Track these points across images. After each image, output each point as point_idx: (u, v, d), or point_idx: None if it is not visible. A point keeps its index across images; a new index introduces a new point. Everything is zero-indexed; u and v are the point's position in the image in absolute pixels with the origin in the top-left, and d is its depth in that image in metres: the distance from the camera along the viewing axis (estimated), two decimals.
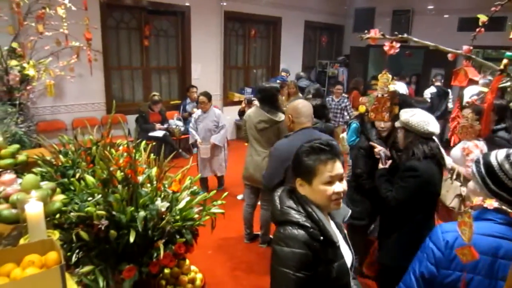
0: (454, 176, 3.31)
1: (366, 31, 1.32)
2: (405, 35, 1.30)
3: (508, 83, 1.58)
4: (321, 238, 1.33)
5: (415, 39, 1.30)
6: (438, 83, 7.43)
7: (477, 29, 1.42)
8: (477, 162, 1.45)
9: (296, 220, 1.35)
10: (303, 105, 2.69)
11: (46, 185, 1.61)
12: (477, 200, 1.20)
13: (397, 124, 2.50)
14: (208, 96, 4.80)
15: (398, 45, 1.30)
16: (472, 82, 1.44)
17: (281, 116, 3.52)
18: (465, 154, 3.20)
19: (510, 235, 1.30)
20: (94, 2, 4.91)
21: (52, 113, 5.52)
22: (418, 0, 8.69)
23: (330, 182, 1.37)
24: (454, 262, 1.32)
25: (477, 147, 3.17)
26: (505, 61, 1.38)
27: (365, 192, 2.83)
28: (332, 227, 1.42)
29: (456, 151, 3.34)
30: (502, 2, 1.37)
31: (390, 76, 1.43)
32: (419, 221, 2.35)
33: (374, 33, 1.29)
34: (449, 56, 1.31)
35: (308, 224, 1.34)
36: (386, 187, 2.44)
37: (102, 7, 5.51)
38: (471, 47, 1.43)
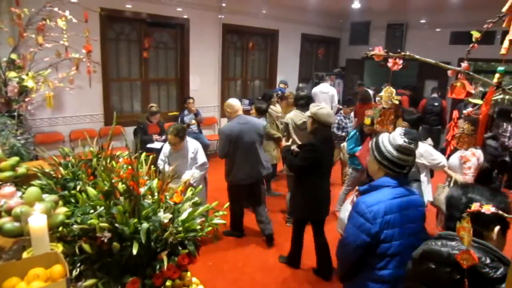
0: (452, 184, 3.35)
1: (370, 48, 1.36)
2: (408, 53, 1.34)
3: (501, 96, 1.63)
4: None
5: (417, 56, 1.34)
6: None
7: (471, 45, 1.48)
8: (371, 143, 1.99)
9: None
10: (232, 101, 4.16)
11: (49, 197, 1.61)
12: (475, 206, 1.24)
13: (307, 113, 3.42)
14: (179, 135, 3.69)
15: (401, 61, 1.34)
16: (469, 94, 1.47)
17: None
18: (463, 162, 3.25)
19: (404, 193, 1.86)
20: (94, 14, 4.95)
21: (50, 125, 5.52)
22: (412, 15, 8.86)
23: None
24: (382, 225, 1.78)
25: (474, 155, 3.24)
26: (497, 75, 1.42)
27: None
28: None
29: (454, 159, 3.39)
30: (493, 20, 1.42)
31: (393, 90, 1.46)
32: (317, 184, 3.39)
33: (378, 50, 1.33)
34: (449, 72, 1.35)
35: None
36: (291, 158, 3.46)
37: (102, 19, 5.56)
38: (466, 64, 1.48)
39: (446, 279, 1.32)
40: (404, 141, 1.83)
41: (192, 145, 3.89)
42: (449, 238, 1.39)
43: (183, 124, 6.55)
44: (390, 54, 1.32)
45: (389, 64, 1.36)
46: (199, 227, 1.73)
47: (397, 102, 1.47)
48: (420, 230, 1.92)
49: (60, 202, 1.67)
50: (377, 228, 1.78)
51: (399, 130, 1.90)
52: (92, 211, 1.60)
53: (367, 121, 2.09)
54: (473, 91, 1.28)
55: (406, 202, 1.85)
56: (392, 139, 1.86)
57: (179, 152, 3.81)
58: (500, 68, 1.29)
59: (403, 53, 1.32)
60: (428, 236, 1.72)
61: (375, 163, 1.91)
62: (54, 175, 1.98)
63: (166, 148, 3.91)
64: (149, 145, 5.73)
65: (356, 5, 7.44)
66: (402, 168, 1.86)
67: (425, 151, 3.21)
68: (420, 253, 1.43)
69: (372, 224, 1.78)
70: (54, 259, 1.19)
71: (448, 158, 3.46)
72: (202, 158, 3.90)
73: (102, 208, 1.56)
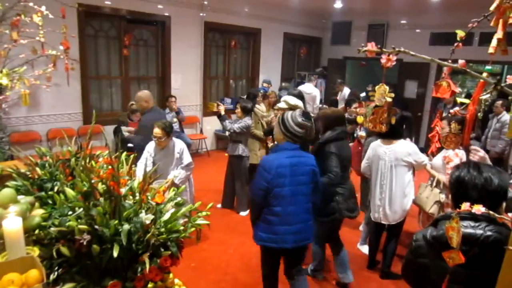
0: (434, 183, 3.41)
1: (362, 45, 1.33)
2: (402, 49, 1.32)
3: (488, 96, 1.65)
4: None
5: (412, 53, 1.33)
6: (369, 88, 8.44)
7: (455, 44, 1.48)
8: (279, 118, 2.66)
9: None
10: (147, 92, 4.50)
11: (25, 199, 1.54)
12: (465, 206, 1.25)
13: (277, 106, 3.76)
14: (166, 129, 3.65)
15: (395, 58, 1.32)
16: (454, 93, 1.48)
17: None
18: (446, 162, 3.31)
19: (296, 155, 2.56)
20: (72, 10, 4.82)
21: (26, 123, 5.35)
22: (392, 15, 9.00)
23: None
24: (275, 175, 2.47)
25: (457, 156, 3.29)
26: (485, 74, 1.44)
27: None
28: None
29: (438, 159, 3.45)
30: (478, 19, 1.42)
31: (387, 87, 1.43)
32: None
33: (371, 46, 1.30)
34: (445, 69, 1.35)
35: None
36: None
37: (80, 15, 5.43)
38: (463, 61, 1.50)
39: (479, 260, 1.34)
40: (302, 120, 2.54)
41: (178, 145, 3.83)
42: (472, 218, 1.43)
43: None
44: (384, 50, 1.29)
45: (383, 61, 1.34)
46: (182, 228, 1.70)
47: (390, 100, 1.43)
48: (310, 182, 2.59)
49: (37, 204, 1.61)
50: (271, 176, 2.46)
51: (299, 111, 2.61)
52: (70, 212, 1.54)
53: (360, 119, 2.14)
54: (457, 90, 1.30)
55: (296, 160, 2.54)
56: (294, 117, 2.55)
57: (165, 151, 3.74)
58: (488, 67, 1.31)
59: (397, 49, 1.30)
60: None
61: (281, 134, 2.60)
62: (30, 175, 1.91)
63: (151, 147, 3.81)
64: (130, 144, 5.62)
65: (338, 5, 7.51)
66: (298, 138, 2.57)
67: (413, 150, 3.26)
68: None
69: (269, 173, 2.47)
70: (30, 263, 1.14)
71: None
72: (187, 158, 3.83)
73: (81, 209, 1.51)
